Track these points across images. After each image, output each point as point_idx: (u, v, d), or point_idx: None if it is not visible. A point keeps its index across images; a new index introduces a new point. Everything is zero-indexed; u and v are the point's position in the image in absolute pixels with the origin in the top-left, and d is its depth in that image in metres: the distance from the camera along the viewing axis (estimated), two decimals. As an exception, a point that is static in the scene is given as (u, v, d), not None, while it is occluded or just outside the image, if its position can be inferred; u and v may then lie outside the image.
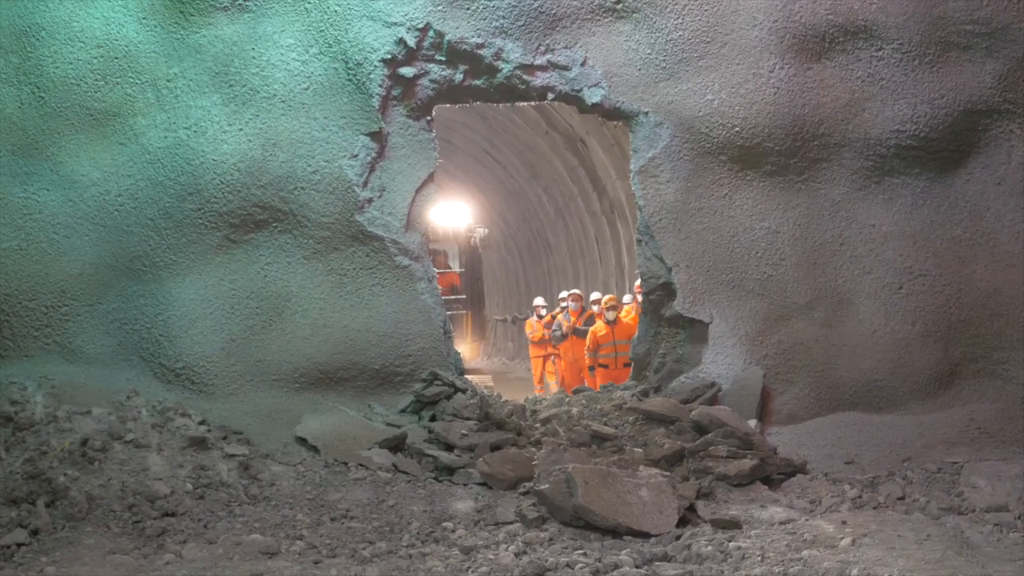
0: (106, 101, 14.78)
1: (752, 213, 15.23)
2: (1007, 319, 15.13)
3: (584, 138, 27.29)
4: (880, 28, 15.12)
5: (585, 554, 10.42)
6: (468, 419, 14.18)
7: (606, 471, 11.56)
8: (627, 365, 19.74)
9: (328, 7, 14.98)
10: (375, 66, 14.96)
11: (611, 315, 23.18)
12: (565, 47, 15.31)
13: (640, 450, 13.42)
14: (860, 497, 12.32)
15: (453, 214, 32.45)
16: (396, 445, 13.69)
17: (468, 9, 15.18)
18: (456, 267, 31.91)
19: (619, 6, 15.29)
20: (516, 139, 31.61)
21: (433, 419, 14.43)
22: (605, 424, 14.55)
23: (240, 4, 14.97)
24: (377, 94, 14.99)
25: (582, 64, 15.32)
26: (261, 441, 13.79)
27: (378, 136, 15.08)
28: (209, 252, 14.87)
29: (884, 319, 15.09)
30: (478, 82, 15.50)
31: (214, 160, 14.79)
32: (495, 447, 13.51)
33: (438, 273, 17.24)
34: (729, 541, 10.74)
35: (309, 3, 15.00)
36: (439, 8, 15.15)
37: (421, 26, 15.05)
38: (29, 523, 11.15)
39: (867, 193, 15.32)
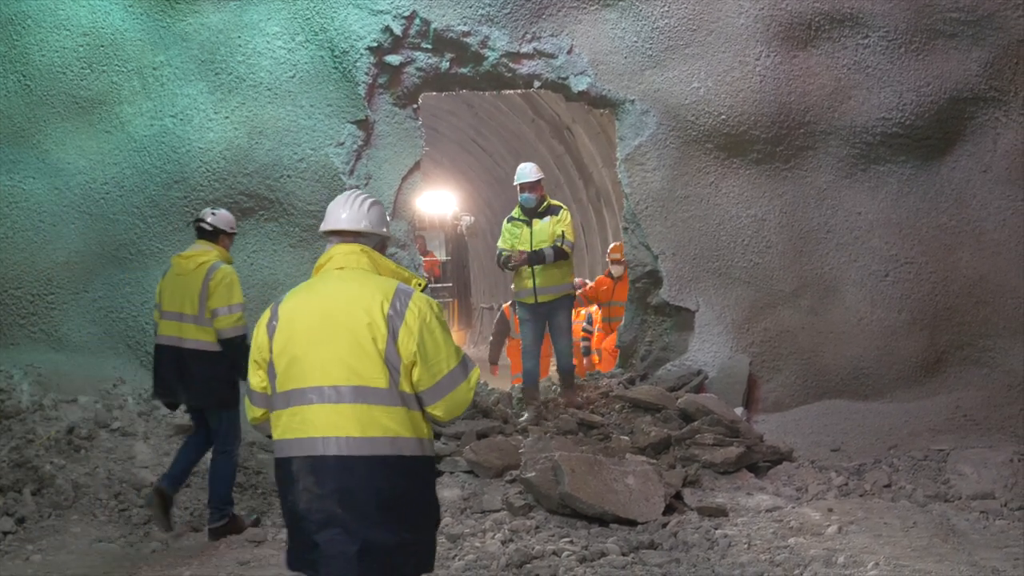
0: (92, 89, 14.77)
1: (738, 201, 15.23)
2: (993, 307, 15.15)
3: (570, 126, 27.23)
4: (866, 16, 15.12)
5: (572, 542, 10.43)
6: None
7: (593, 459, 11.57)
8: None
9: (314, -5, 15.00)
10: (361, 54, 14.94)
11: (618, 269, 19.36)
12: (551, 35, 15.29)
13: (627, 438, 13.43)
14: (846, 485, 12.35)
15: (439, 202, 32.43)
16: (383, 433, 13.66)
17: (454, -3, 15.20)
18: (440, 254, 31.89)
19: (605, -6, 15.31)
20: (502, 127, 31.56)
21: (420, 407, 14.39)
22: (592, 412, 14.56)
23: (226, -8, 14.99)
24: (363, 82, 14.97)
25: (568, 52, 15.30)
26: (248, 429, 13.75)
27: (364, 124, 15.07)
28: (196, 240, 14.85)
29: (870, 307, 15.11)
30: (464, 70, 15.49)
31: (200, 148, 14.78)
32: (481, 435, 13.51)
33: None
34: (715, 529, 10.77)
35: (295, -10, 15.01)
36: (425, -5, 15.17)
37: (407, 14, 15.02)
38: (15, 511, 11.17)
39: (853, 181, 15.33)
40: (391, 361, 5.91)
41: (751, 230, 15.16)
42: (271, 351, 6.08)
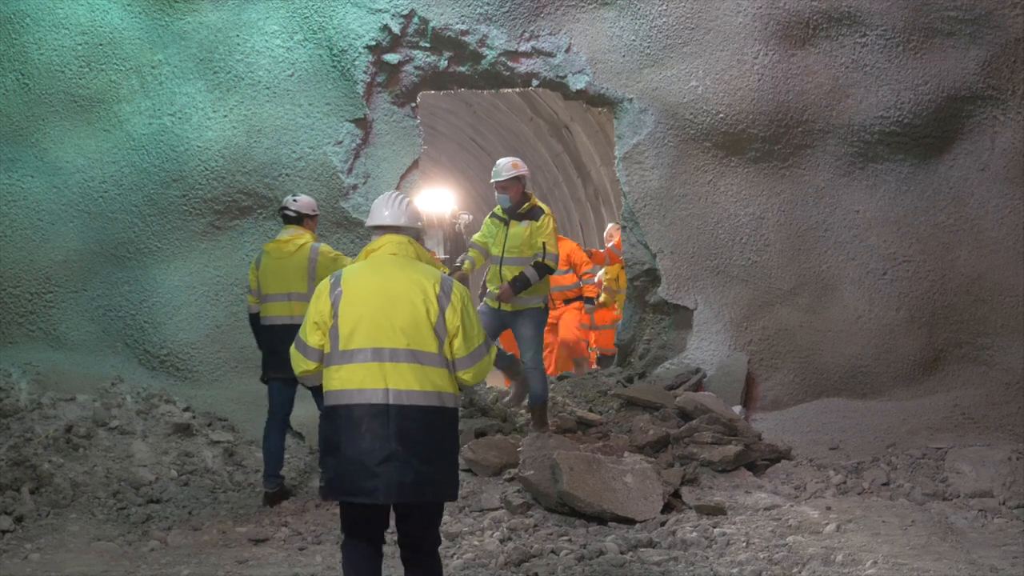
0: (91, 88, 14.78)
1: (736, 199, 15.22)
2: (991, 305, 15.16)
3: (568, 124, 27.18)
4: (864, 14, 15.12)
5: (570, 540, 10.44)
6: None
7: (591, 457, 11.58)
8: (567, 302, 18.76)
9: (312, -7, 15.00)
10: (359, 52, 14.93)
11: None
12: (550, 33, 15.29)
13: (625, 436, 13.42)
14: (845, 483, 12.34)
15: (438, 200, 32.39)
16: (381, 431, 13.62)
17: (452, -5, 15.19)
18: (439, 253, 31.82)
19: (603, -8, 15.31)
20: (501, 125, 31.51)
21: (418, 405, 14.29)
22: (590, 410, 14.56)
23: (224, -10, 14.99)
24: (362, 80, 14.97)
25: (566, 51, 15.30)
26: (246, 428, 13.79)
27: (363, 123, 15.06)
28: (194, 239, 14.86)
29: (868, 305, 15.11)
30: (463, 68, 15.48)
31: (199, 147, 14.78)
32: (480, 433, 13.51)
33: None
34: (714, 527, 10.76)
35: (293, -11, 15.01)
36: (423, -6, 15.16)
37: (406, 12, 15.01)
38: (13, 510, 11.19)
39: (851, 179, 15.34)
40: (439, 332, 7.48)
41: (749, 228, 15.16)
42: (336, 316, 7.50)
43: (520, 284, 13.44)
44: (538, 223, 13.61)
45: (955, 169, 15.40)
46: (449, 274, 8.78)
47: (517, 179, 13.58)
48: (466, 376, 7.67)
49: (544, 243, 13.52)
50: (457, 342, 7.56)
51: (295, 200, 12.66)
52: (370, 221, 8.10)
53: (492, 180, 13.74)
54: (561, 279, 18.51)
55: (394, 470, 7.30)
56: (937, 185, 15.37)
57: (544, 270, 13.60)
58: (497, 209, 13.92)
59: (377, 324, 7.46)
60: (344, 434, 7.44)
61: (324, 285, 7.74)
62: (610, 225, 21.66)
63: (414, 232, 8.02)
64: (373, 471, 7.30)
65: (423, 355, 7.46)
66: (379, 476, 7.30)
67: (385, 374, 7.40)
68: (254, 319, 12.73)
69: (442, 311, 7.54)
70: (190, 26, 14.93)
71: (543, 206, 13.87)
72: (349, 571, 7.68)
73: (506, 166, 13.61)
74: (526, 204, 13.68)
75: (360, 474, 7.35)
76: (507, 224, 13.75)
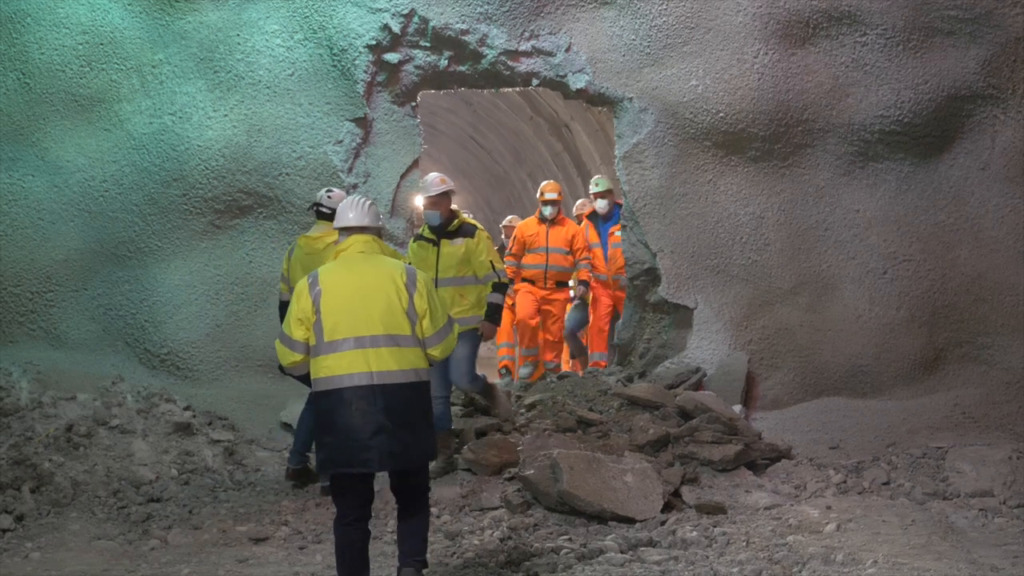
0: (91, 87, 14.80)
1: (736, 199, 15.21)
2: (991, 304, 15.15)
3: (569, 123, 27.14)
4: (864, 13, 15.11)
5: (570, 539, 10.44)
6: (453, 405, 14.16)
7: (591, 456, 11.57)
8: (560, 285, 18.69)
9: (313, -7, 15.00)
10: (360, 52, 14.93)
11: (550, 211, 18.37)
12: (550, 33, 15.28)
13: (625, 435, 13.40)
14: (845, 482, 12.35)
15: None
16: (381, 430, 13.61)
17: (453, -6, 15.18)
18: None
19: (604, -8, 15.30)
20: (501, 125, 31.46)
21: (418, 405, 14.27)
22: (590, 410, 14.54)
23: (225, -10, 15.00)
24: (362, 80, 14.97)
25: (567, 50, 15.29)
26: (246, 427, 13.82)
27: (363, 122, 15.07)
28: (194, 238, 14.87)
29: (868, 304, 15.10)
30: (463, 68, 15.47)
31: (199, 146, 14.79)
32: (480, 433, 13.50)
33: None
34: (714, 526, 10.77)
35: (294, -11, 15.01)
36: (424, -7, 15.15)
37: (406, 12, 15.01)
38: (14, 509, 11.19)
39: (851, 178, 15.33)
40: (410, 315, 8.59)
41: (749, 228, 15.15)
42: (318, 312, 8.50)
43: (496, 314, 13.20)
44: (475, 240, 13.05)
45: (955, 168, 15.39)
46: None
47: (446, 194, 13.04)
48: (435, 352, 8.81)
49: (491, 261, 13.10)
50: (426, 323, 8.68)
51: (329, 197, 12.73)
52: (337, 223, 9.11)
53: (422, 195, 13.20)
54: (563, 260, 18.33)
55: (385, 442, 8.35)
56: (937, 184, 15.36)
57: (504, 290, 13.34)
58: (423, 230, 13.29)
59: (356, 315, 8.50)
60: (337, 414, 8.42)
61: (303, 285, 8.72)
62: (579, 201, 21.82)
63: (376, 230, 9.07)
64: (367, 444, 8.34)
65: (400, 338, 8.55)
66: (372, 448, 8.34)
67: (368, 359, 8.43)
68: (284, 307, 12.72)
69: (411, 297, 8.65)
70: (190, 25, 14.94)
71: (475, 222, 13.32)
72: (342, 538, 8.70)
73: (435, 181, 13.01)
74: (455, 222, 13.11)
75: (355, 448, 8.36)
76: (436, 244, 13.09)
